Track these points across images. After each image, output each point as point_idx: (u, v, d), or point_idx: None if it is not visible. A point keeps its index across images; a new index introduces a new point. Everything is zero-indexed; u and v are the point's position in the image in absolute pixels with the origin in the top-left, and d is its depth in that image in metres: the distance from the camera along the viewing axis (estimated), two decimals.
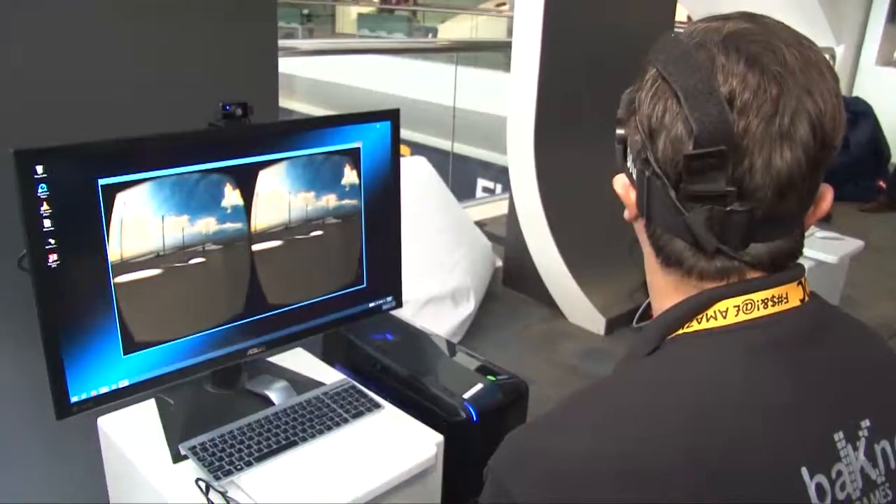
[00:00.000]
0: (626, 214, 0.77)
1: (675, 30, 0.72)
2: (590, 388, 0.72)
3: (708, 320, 0.69)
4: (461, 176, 6.86)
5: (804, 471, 0.64)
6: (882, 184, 5.98)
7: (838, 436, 0.68)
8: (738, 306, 0.68)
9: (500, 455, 0.69)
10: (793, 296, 0.70)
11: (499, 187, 7.00)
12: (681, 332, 0.71)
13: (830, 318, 0.74)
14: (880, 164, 6.05)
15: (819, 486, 0.65)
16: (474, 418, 1.71)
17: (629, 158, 0.73)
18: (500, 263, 3.98)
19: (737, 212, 0.65)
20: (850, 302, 3.58)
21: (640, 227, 0.76)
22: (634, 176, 0.72)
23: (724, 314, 0.69)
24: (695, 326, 0.70)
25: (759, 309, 0.68)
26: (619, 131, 0.74)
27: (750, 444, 0.63)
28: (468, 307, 3.31)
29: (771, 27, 0.67)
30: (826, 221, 4.36)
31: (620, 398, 0.68)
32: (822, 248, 3.25)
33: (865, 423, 0.70)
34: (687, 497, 0.60)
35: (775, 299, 0.69)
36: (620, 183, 0.76)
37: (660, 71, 0.67)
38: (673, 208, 0.67)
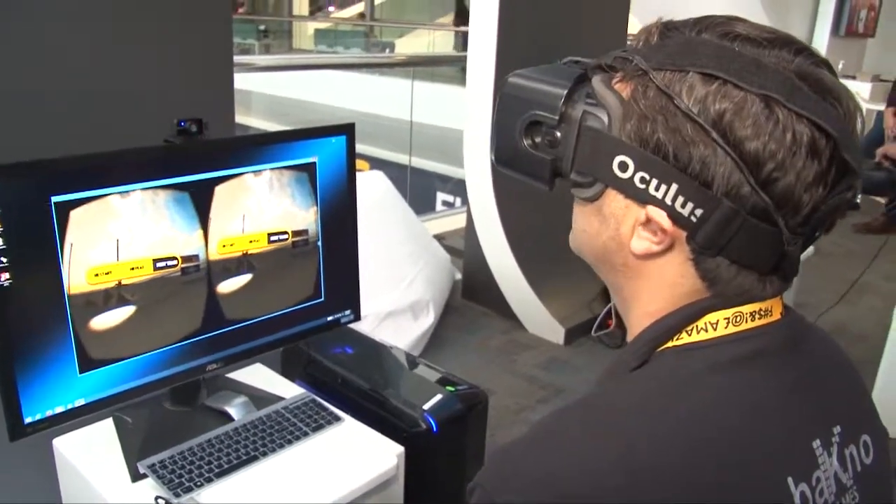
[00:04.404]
0: (640, 248, 0.68)
1: (721, 42, 0.65)
2: (580, 403, 0.69)
3: (698, 332, 0.68)
4: (421, 190, 6.87)
5: (790, 480, 0.65)
6: None
7: (816, 443, 0.68)
8: (728, 318, 0.68)
9: (491, 472, 0.65)
10: (775, 309, 0.70)
11: (458, 200, 7.02)
12: (669, 344, 0.69)
13: (804, 329, 0.75)
14: None
15: (803, 495, 0.65)
16: (434, 429, 1.73)
17: (670, 189, 0.64)
18: (459, 276, 4.01)
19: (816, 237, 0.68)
20: (802, 306, 3.66)
21: (660, 259, 0.69)
22: (691, 209, 0.64)
23: (714, 326, 0.68)
24: (684, 339, 0.69)
25: (747, 321, 0.68)
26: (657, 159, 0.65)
27: (744, 457, 0.63)
28: (427, 320, 3.32)
29: None
30: None
31: (613, 412, 0.66)
32: None
33: (837, 429, 0.71)
34: None
35: (762, 312, 0.69)
36: (638, 218, 0.67)
37: (785, 103, 0.61)
38: (772, 243, 0.65)
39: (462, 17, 13.85)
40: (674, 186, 0.64)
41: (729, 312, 0.68)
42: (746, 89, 0.61)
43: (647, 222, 0.67)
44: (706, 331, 0.68)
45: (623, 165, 0.66)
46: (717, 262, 0.66)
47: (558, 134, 0.71)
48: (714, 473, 0.61)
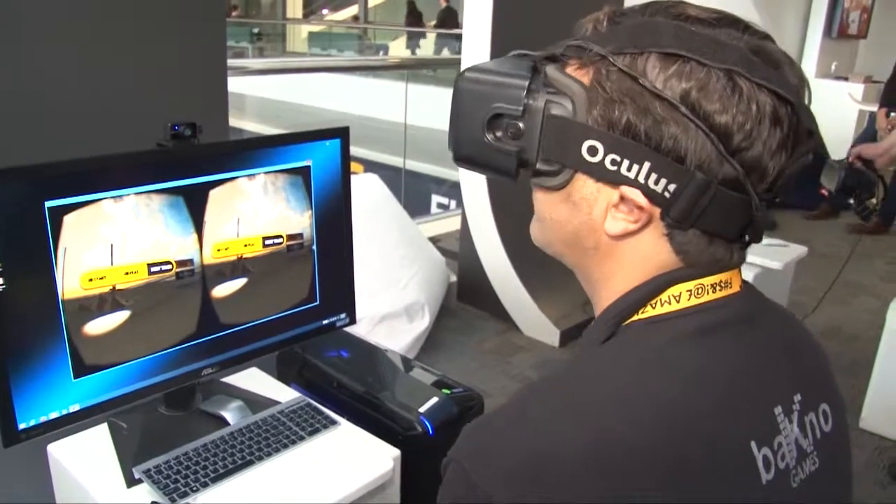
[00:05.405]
0: (616, 228, 0.69)
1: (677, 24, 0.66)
2: (550, 378, 0.71)
3: (662, 305, 0.70)
4: (416, 192, 6.87)
5: (753, 444, 0.67)
6: (825, 192, 6.16)
7: (777, 409, 0.71)
8: (691, 290, 0.70)
9: (464, 447, 0.66)
10: (735, 281, 0.73)
11: (453, 203, 7.02)
12: (635, 318, 0.71)
13: (763, 302, 0.78)
14: (822, 173, 6.22)
15: (765, 458, 0.67)
16: (430, 432, 1.72)
17: (642, 168, 0.66)
18: (454, 279, 4.00)
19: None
20: (796, 306, 3.67)
21: (633, 238, 0.70)
22: (664, 186, 0.66)
23: (677, 298, 0.70)
24: (649, 312, 0.70)
25: (708, 293, 0.70)
26: (624, 139, 0.66)
27: (710, 422, 0.65)
28: (423, 323, 3.32)
29: None
30: (771, 229, 4.47)
31: (582, 387, 0.68)
32: (768, 255, 3.34)
33: (797, 397, 0.73)
34: (657, 480, 0.61)
35: (722, 284, 0.71)
36: (610, 200, 0.69)
37: (747, 76, 0.63)
38: (744, 211, 0.67)
39: (413, 17, 13.94)
40: (646, 165, 0.66)
41: (691, 285, 0.70)
42: (709, 65, 0.63)
43: (622, 202, 0.68)
44: (670, 303, 0.70)
45: (592, 150, 0.67)
46: (689, 234, 0.68)
47: (521, 125, 0.71)
48: (687, 448, 0.63)
